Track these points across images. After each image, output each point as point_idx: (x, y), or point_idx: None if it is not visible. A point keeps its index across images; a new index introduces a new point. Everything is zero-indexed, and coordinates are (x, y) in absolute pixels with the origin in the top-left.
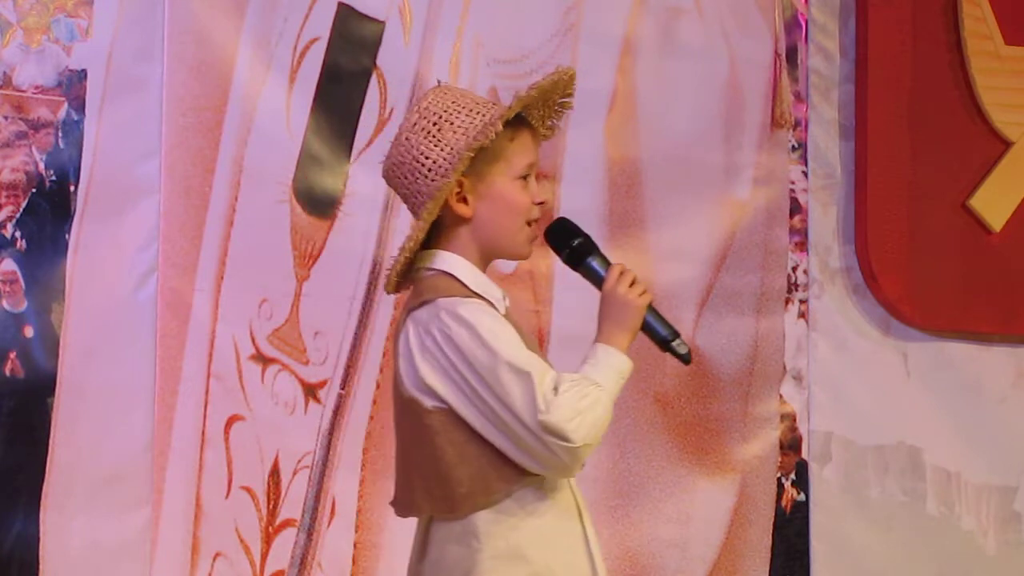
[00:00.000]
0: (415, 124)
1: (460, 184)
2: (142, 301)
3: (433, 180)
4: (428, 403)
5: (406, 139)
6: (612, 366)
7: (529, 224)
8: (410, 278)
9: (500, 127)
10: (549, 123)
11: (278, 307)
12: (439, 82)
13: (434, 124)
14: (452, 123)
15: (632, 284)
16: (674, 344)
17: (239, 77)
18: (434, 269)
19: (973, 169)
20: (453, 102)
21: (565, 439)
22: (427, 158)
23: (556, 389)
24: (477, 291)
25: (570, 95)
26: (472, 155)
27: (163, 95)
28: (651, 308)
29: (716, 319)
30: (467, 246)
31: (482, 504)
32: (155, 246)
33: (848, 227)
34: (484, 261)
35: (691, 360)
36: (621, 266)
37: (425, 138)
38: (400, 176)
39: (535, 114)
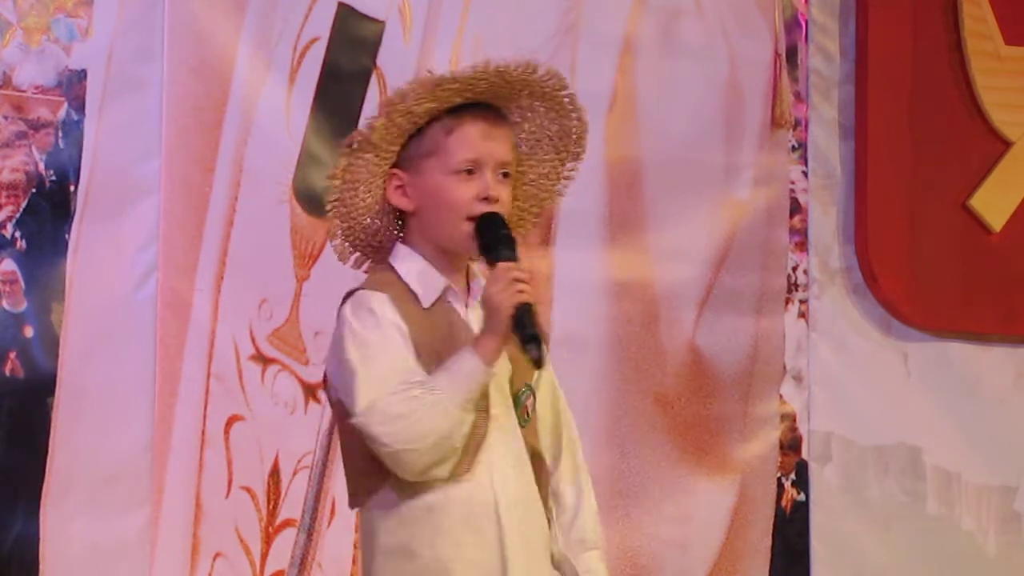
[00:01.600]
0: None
1: (398, 176)
2: (142, 301)
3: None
4: (332, 393)
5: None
6: (460, 370)
7: (472, 219)
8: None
9: (377, 123)
10: (548, 127)
11: (278, 307)
12: (428, 71)
13: (378, 108)
14: (387, 106)
15: (512, 282)
16: (527, 347)
17: (239, 77)
18: (386, 262)
19: (973, 169)
20: (410, 87)
21: (379, 442)
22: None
23: (386, 392)
24: (406, 280)
25: (557, 98)
26: (349, 150)
27: (163, 95)
28: (527, 308)
29: (716, 319)
30: (418, 237)
31: (363, 497)
32: (155, 246)
33: (848, 227)
34: (438, 251)
35: (540, 366)
36: (508, 265)
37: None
38: None
39: (519, 111)
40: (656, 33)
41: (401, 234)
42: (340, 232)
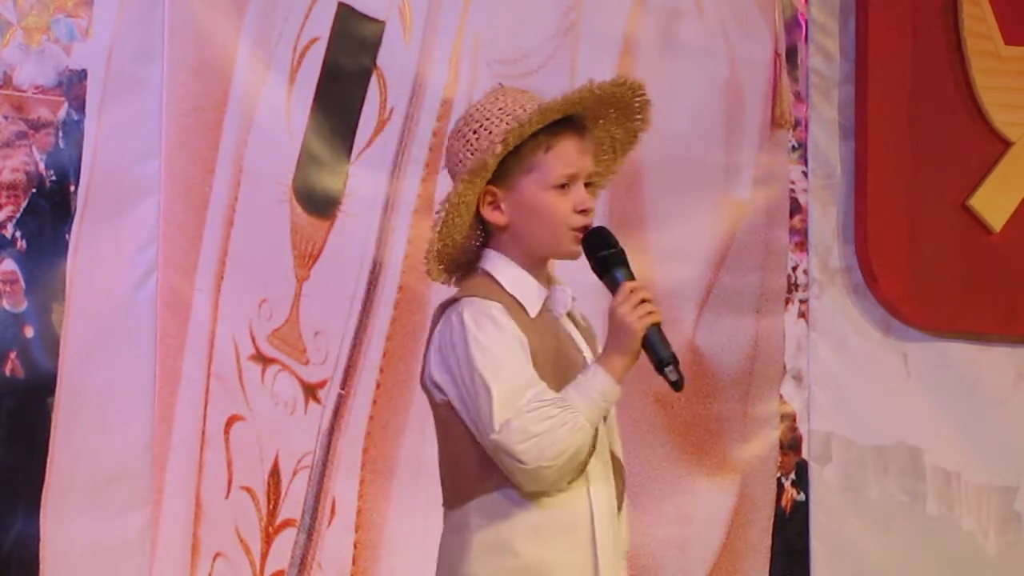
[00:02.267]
0: (459, 129)
1: (492, 193)
2: (142, 301)
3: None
4: (437, 397)
5: (450, 143)
6: (594, 388)
7: (573, 230)
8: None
9: (497, 150)
10: (614, 131)
11: (278, 307)
12: (500, 85)
13: (473, 132)
14: (489, 131)
15: (640, 303)
16: (666, 370)
17: (239, 77)
18: (480, 267)
19: (973, 169)
20: (499, 108)
21: (516, 459)
22: (462, 163)
23: (520, 409)
24: (512, 291)
25: (632, 105)
26: (469, 177)
27: (163, 95)
28: (656, 329)
29: (716, 319)
30: (511, 247)
31: (471, 497)
32: (155, 246)
33: (848, 227)
34: (531, 261)
35: (680, 388)
36: (635, 284)
37: (464, 145)
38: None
39: (595, 120)
40: (656, 33)
41: (477, 244)
42: (436, 253)
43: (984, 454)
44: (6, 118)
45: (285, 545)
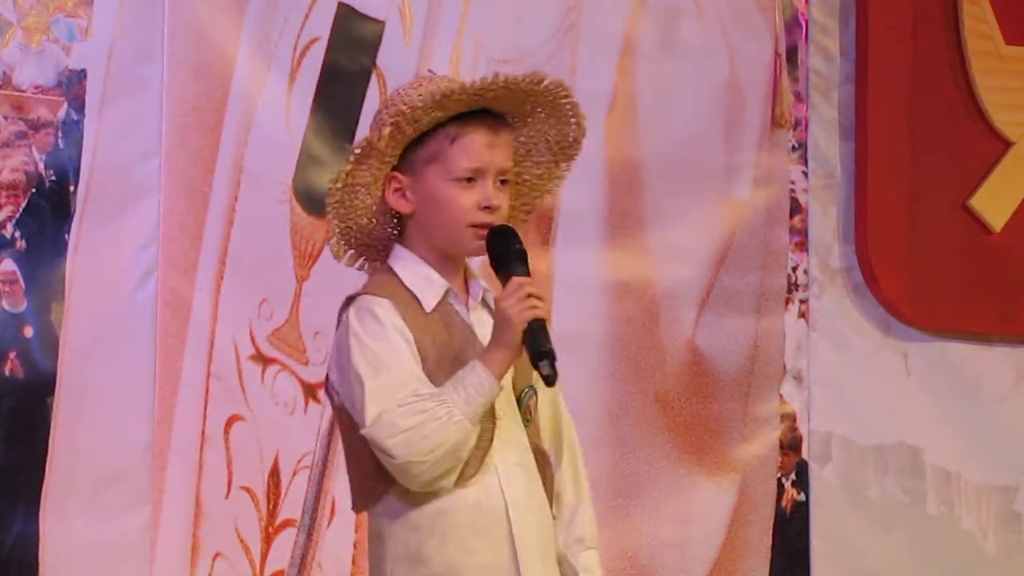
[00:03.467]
0: (377, 110)
1: (397, 179)
2: (142, 301)
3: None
4: (335, 399)
5: (370, 125)
6: (470, 382)
7: (474, 227)
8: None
9: (384, 132)
10: (547, 133)
11: (278, 307)
12: (429, 71)
13: (385, 113)
14: (383, 117)
15: (526, 297)
16: (540, 364)
17: (239, 77)
18: (385, 264)
19: (973, 169)
20: (418, 94)
21: (387, 454)
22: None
23: (395, 405)
24: (409, 285)
25: (560, 106)
26: (355, 158)
27: (163, 95)
28: (540, 324)
29: (716, 319)
30: (416, 239)
31: (369, 502)
32: (155, 246)
33: (848, 227)
34: (437, 254)
35: (553, 383)
36: (522, 279)
37: (373, 125)
38: None
39: (521, 119)
40: (656, 33)
41: (395, 233)
42: (337, 231)
43: (984, 454)
44: (6, 118)
45: (285, 545)
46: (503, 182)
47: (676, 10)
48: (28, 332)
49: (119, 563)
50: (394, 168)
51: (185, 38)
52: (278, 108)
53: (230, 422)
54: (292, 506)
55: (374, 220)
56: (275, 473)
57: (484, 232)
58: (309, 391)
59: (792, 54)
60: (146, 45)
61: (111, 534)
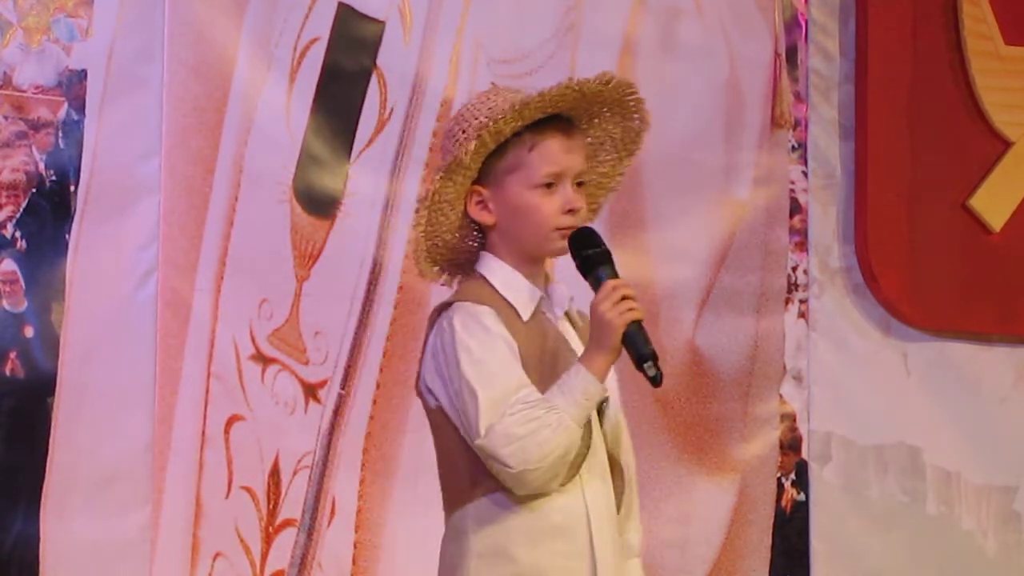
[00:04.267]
0: (449, 128)
1: (478, 192)
2: (142, 301)
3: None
4: (430, 403)
5: (443, 142)
6: (576, 387)
7: (559, 230)
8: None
9: (470, 147)
10: (611, 130)
11: (278, 307)
12: (492, 84)
13: (462, 130)
14: (466, 132)
15: (621, 300)
16: (644, 366)
17: (239, 77)
18: (476, 270)
19: (973, 169)
20: (488, 107)
21: (503, 463)
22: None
23: (505, 413)
24: (504, 294)
25: (625, 103)
26: (445, 174)
27: (163, 95)
28: (637, 326)
29: (716, 319)
30: (502, 247)
31: (460, 504)
32: (155, 246)
33: (848, 227)
34: (524, 261)
35: (659, 384)
36: (617, 282)
37: (452, 144)
38: None
39: (588, 119)
40: (656, 33)
41: (475, 244)
42: (424, 251)
43: (984, 454)
44: (6, 118)
45: (285, 545)
46: (579, 184)
47: (676, 10)
48: (28, 332)
49: (119, 563)
50: (474, 182)
51: (185, 38)
52: (278, 108)
53: (230, 422)
54: (292, 506)
55: (457, 235)
56: (275, 473)
57: (567, 233)
58: (309, 391)
59: (792, 54)
60: (146, 45)
61: (111, 534)
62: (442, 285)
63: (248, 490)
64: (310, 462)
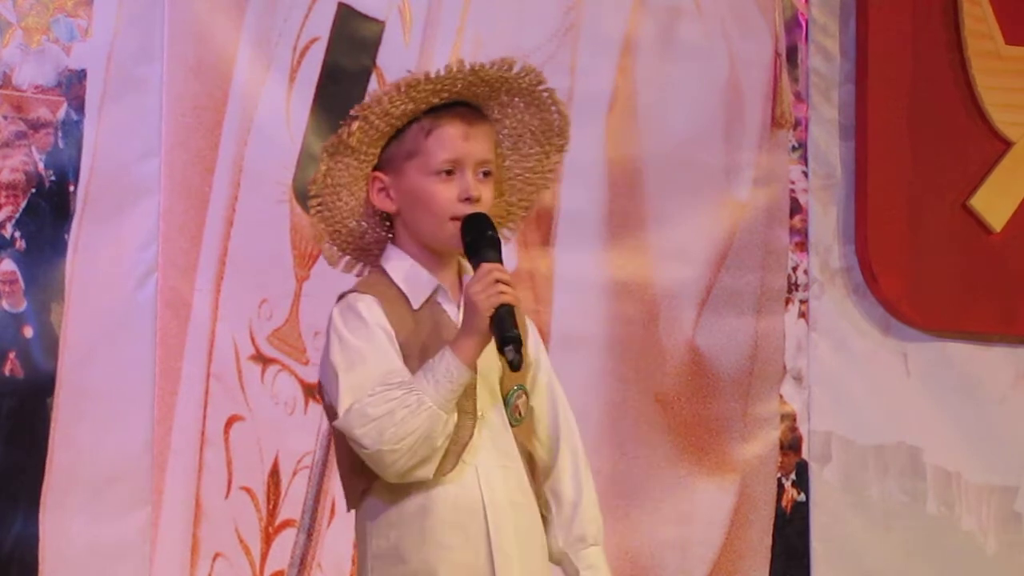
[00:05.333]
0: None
1: (379, 179)
2: (142, 301)
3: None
4: (325, 398)
5: None
6: (439, 370)
7: (455, 219)
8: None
9: (352, 127)
10: (528, 122)
11: (278, 307)
12: (408, 71)
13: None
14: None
15: (494, 284)
16: (505, 349)
17: (239, 77)
18: (377, 264)
19: (973, 169)
20: (387, 89)
21: (358, 444)
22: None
23: (365, 395)
24: (398, 283)
25: (537, 94)
26: (327, 155)
27: (163, 95)
28: (507, 309)
29: (716, 319)
30: (405, 238)
31: (354, 499)
32: (155, 246)
33: (848, 227)
34: (426, 251)
35: (518, 368)
36: (491, 266)
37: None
38: None
39: (500, 108)
40: (656, 33)
41: (390, 235)
42: (327, 236)
43: (984, 454)
44: (6, 118)
45: (285, 545)
46: (486, 174)
47: (676, 10)
48: (28, 332)
49: (119, 563)
50: (376, 168)
51: (185, 38)
52: (278, 108)
53: (230, 422)
54: (292, 506)
55: (363, 223)
56: (275, 473)
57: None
58: (309, 391)
59: (792, 54)
60: (146, 45)
61: (111, 534)
62: (356, 275)
63: (248, 490)
64: (310, 462)
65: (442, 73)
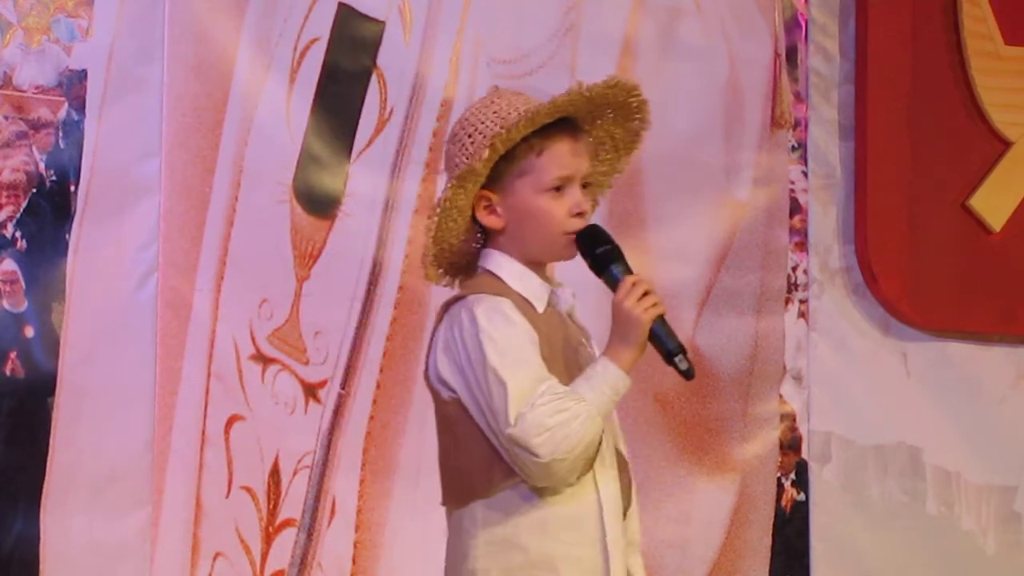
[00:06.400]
0: (455, 133)
1: (487, 197)
2: (142, 301)
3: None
4: (444, 394)
5: (447, 147)
6: (605, 381)
7: (568, 234)
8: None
9: (484, 155)
10: (614, 131)
11: (278, 307)
12: (495, 87)
13: (468, 136)
14: (483, 134)
15: (644, 296)
16: (675, 359)
17: (239, 77)
18: (481, 267)
19: (973, 169)
20: (493, 112)
21: (532, 453)
22: (456, 168)
23: (534, 403)
24: (517, 288)
25: (628, 104)
26: (458, 182)
27: (163, 95)
28: (661, 321)
29: (716, 319)
30: (509, 248)
31: (479, 495)
32: (155, 246)
33: (848, 227)
34: (529, 263)
35: (692, 376)
36: (635, 278)
37: (459, 150)
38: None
39: (592, 121)
40: (656, 33)
41: (477, 247)
42: (432, 257)
43: (984, 454)
44: (6, 118)
45: (285, 545)
46: (585, 186)
47: (676, 10)
48: (28, 332)
49: (119, 563)
50: (482, 187)
51: (185, 38)
52: (278, 108)
53: (230, 422)
54: (292, 506)
55: (462, 238)
56: (275, 473)
57: (575, 238)
58: (309, 391)
59: (792, 54)
60: (146, 45)
61: (111, 534)
62: (444, 287)
63: (248, 490)
64: (310, 462)
65: (564, 98)
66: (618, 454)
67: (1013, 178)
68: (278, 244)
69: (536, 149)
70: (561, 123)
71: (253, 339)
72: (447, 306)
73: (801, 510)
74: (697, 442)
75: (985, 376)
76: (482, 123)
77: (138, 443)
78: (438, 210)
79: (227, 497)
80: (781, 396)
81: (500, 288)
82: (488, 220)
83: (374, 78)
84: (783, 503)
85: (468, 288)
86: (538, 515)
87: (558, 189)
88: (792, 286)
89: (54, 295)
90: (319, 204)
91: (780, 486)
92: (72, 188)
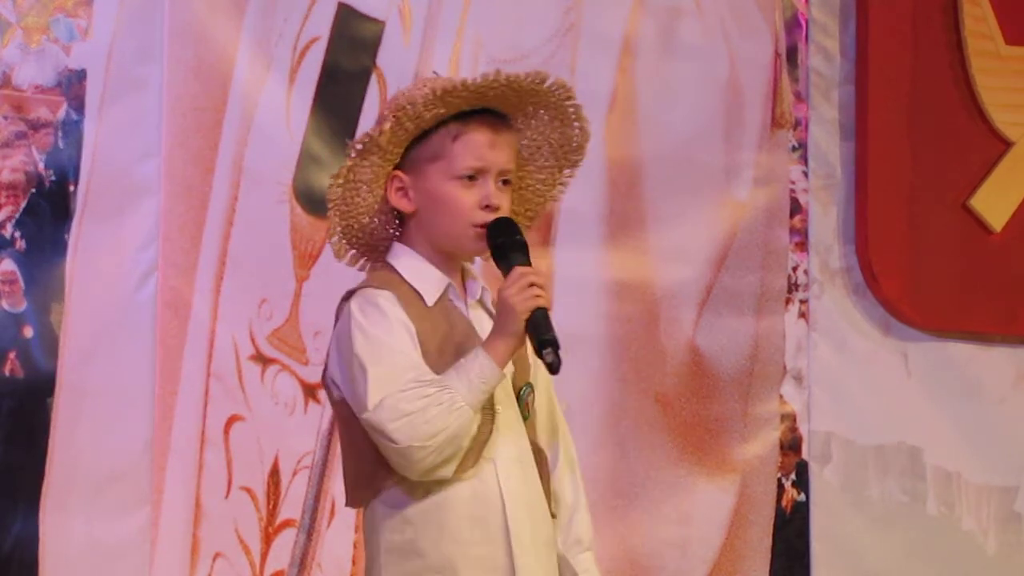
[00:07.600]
0: (379, 111)
1: (399, 178)
2: (142, 301)
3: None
4: (335, 393)
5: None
6: (472, 370)
7: (475, 226)
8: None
9: (385, 128)
10: (550, 135)
11: (278, 307)
12: (434, 72)
13: (386, 111)
14: (387, 115)
15: (528, 287)
16: (543, 352)
17: (239, 77)
18: (384, 260)
19: (973, 169)
20: (420, 92)
21: (389, 439)
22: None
23: (398, 390)
24: (410, 280)
25: (564, 108)
26: (357, 155)
27: (163, 95)
28: (542, 312)
29: (716, 319)
30: (417, 238)
31: (367, 497)
32: (155, 246)
33: (848, 227)
34: (437, 254)
35: (556, 371)
36: (526, 269)
37: (374, 125)
38: None
39: (525, 120)
40: (656, 33)
41: (396, 233)
42: (339, 230)
43: (984, 454)
44: (6, 118)
45: (285, 545)
46: (505, 182)
47: (676, 10)
48: (28, 332)
49: (119, 563)
50: (396, 167)
51: (185, 38)
52: (278, 108)
53: (230, 422)
54: (292, 506)
55: (375, 219)
56: (275, 473)
57: (483, 233)
58: (309, 391)
59: (792, 54)
60: (146, 45)
61: (111, 534)
62: (359, 270)
63: (248, 490)
64: (310, 462)
65: (479, 81)
66: (535, 448)
67: (1014, 178)
68: (278, 244)
69: (452, 134)
70: (485, 113)
71: (253, 339)
72: (342, 302)
73: (801, 510)
74: (697, 442)
75: (985, 376)
76: (402, 99)
77: (138, 443)
78: (340, 180)
79: (227, 497)
80: (781, 396)
81: (389, 280)
82: (399, 202)
83: (374, 78)
84: (783, 503)
85: (362, 282)
86: (437, 517)
87: (471, 179)
88: (792, 286)
89: (53, 295)
90: (319, 204)
91: (780, 486)
92: (71, 188)
